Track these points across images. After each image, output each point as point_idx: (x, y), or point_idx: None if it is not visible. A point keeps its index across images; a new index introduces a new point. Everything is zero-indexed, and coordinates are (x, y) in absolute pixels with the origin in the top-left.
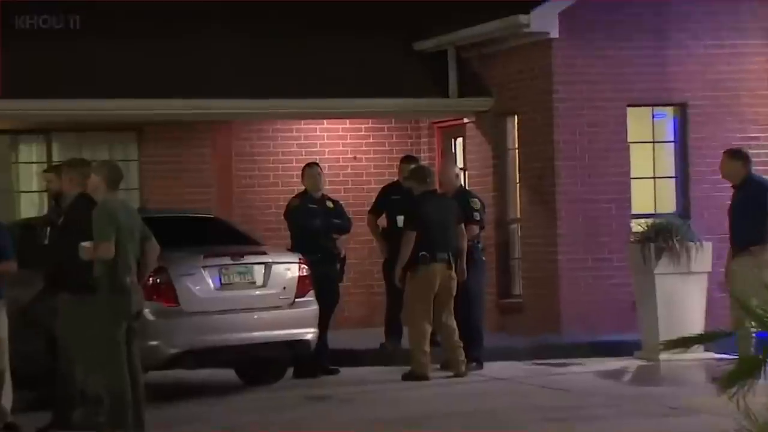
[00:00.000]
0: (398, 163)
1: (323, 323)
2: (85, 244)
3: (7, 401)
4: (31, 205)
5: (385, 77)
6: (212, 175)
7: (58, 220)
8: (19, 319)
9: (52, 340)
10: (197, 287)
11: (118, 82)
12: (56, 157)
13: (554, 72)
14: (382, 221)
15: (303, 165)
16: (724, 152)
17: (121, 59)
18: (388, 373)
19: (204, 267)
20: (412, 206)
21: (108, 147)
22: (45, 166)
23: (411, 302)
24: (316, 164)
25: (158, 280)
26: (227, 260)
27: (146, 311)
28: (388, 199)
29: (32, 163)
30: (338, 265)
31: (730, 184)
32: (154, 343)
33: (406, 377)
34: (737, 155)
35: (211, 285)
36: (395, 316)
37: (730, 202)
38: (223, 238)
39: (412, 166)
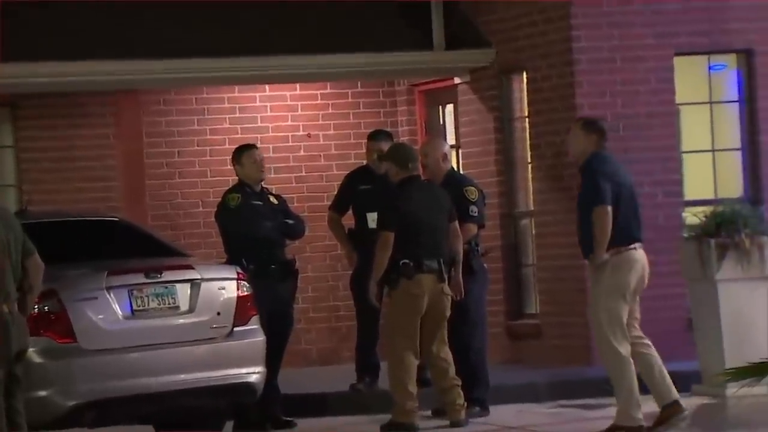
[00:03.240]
0: (366, 140)
1: (273, 360)
2: None
3: None
4: None
5: (347, 25)
6: (116, 163)
7: None
8: None
9: None
10: (100, 316)
11: None
12: None
13: (574, 13)
14: (349, 220)
15: (236, 147)
16: (576, 120)
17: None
18: (362, 423)
19: (108, 288)
20: (389, 199)
21: None
22: None
23: (391, 328)
24: (256, 147)
25: (46, 308)
26: (140, 278)
27: (31, 351)
28: (356, 191)
29: None
30: (291, 281)
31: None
32: (43, 393)
33: (387, 428)
34: (593, 127)
35: (119, 312)
36: (369, 348)
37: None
38: (132, 248)
39: (387, 144)
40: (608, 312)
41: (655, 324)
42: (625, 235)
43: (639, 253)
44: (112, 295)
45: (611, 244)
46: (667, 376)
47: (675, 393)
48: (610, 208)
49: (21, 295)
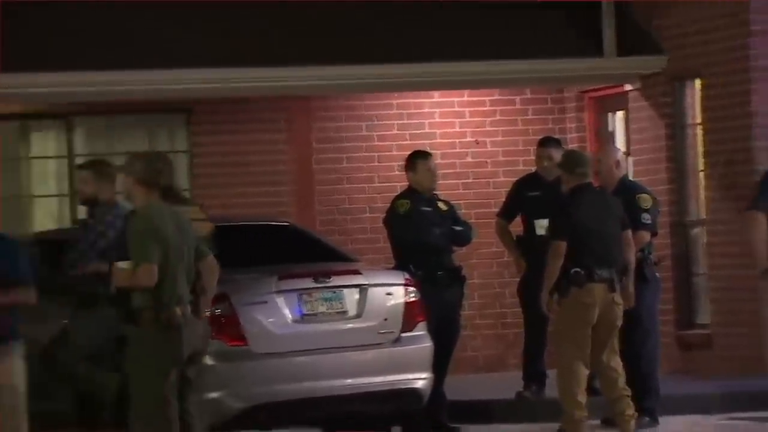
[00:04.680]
0: (535, 147)
1: (440, 366)
2: (122, 265)
3: None
4: (47, 215)
5: (516, 31)
6: (287, 169)
7: (95, 235)
8: (36, 366)
9: (83, 396)
10: (270, 320)
11: (157, 48)
12: (80, 149)
13: (751, 20)
14: (517, 227)
15: (408, 153)
16: None
17: (161, 19)
18: (528, 431)
19: (279, 292)
20: (559, 206)
21: (147, 134)
22: (69, 161)
23: (560, 336)
24: (431, 155)
25: (218, 312)
26: (309, 283)
27: None
28: (525, 198)
29: (49, 158)
30: (458, 288)
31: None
32: (215, 395)
33: None
34: None
35: (289, 316)
36: (537, 356)
37: None
38: (302, 253)
39: (557, 151)
40: None
41: None
42: None
43: None
44: (282, 299)
45: None
46: None
47: None
48: (760, 214)
49: (194, 298)
